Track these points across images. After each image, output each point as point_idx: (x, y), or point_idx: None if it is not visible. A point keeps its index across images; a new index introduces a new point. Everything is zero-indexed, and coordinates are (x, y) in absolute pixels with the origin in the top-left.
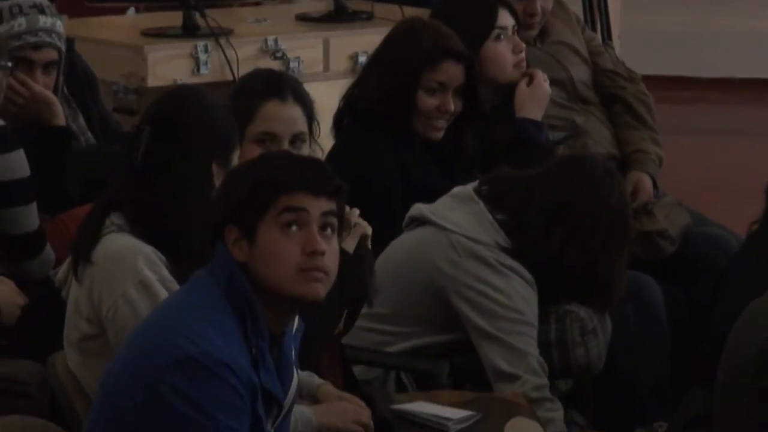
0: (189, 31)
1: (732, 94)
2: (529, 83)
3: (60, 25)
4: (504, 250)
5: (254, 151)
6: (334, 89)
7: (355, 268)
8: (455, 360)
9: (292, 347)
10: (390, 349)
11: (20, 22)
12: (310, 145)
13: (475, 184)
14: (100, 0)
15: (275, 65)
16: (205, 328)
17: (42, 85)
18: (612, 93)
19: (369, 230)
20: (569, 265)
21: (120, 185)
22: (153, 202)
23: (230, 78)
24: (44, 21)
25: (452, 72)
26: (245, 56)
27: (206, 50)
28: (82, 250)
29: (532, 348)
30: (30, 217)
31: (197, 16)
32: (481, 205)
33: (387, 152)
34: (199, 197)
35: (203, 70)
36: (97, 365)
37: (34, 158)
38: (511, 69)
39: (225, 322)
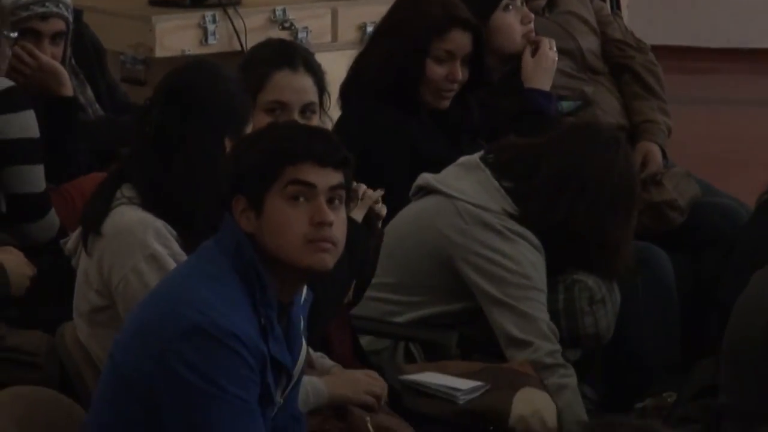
0: (197, 1)
1: (742, 63)
2: (534, 53)
3: None
4: (511, 216)
5: (264, 120)
6: (342, 60)
7: (364, 239)
8: (463, 330)
9: (301, 317)
10: (398, 319)
11: None
12: (320, 117)
13: (482, 153)
14: None
15: (283, 35)
16: (214, 298)
17: (49, 56)
18: (621, 63)
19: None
20: (576, 232)
21: (131, 157)
22: (164, 176)
23: (238, 48)
24: None
25: (460, 40)
26: (253, 26)
27: (214, 20)
28: (92, 222)
29: (541, 313)
30: (36, 177)
31: None
32: (488, 172)
33: (394, 122)
34: (210, 171)
35: (211, 40)
36: (107, 336)
37: (42, 128)
38: (519, 39)
39: (233, 293)
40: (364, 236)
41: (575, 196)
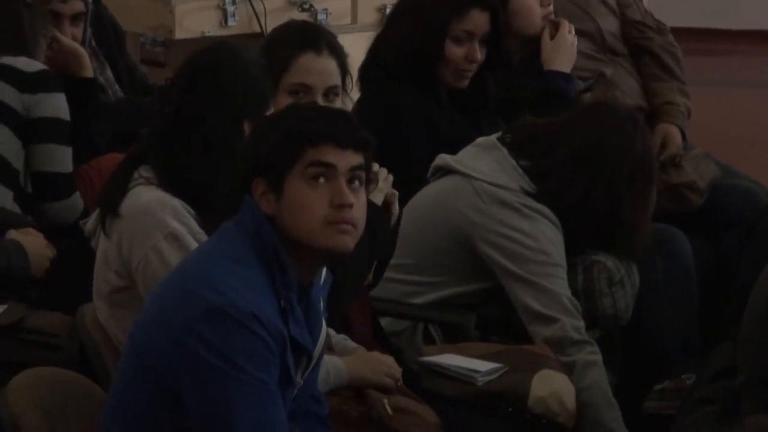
0: None
1: (762, 45)
2: (554, 35)
3: None
4: (529, 194)
5: (286, 102)
6: (361, 41)
7: (385, 222)
8: (482, 311)
9: (321, 298)
10: (417, 300)
11: None
12: (342, 99)
13: (499, 133)
14: None
15: (303, 17)
16: (233, 280)
17: (70, 37)
18: (640, 44)
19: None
20: (594, 211)
21: (150, 138)
22: (182, 156)
23: (258, 30)
24: None
25: (479, 20)
26: (273, 8)
27: (234, 2)
28: (109, 203)
29: (563, 288)
30: (64, 157)
31: None
32: (505, 151)
33: (413, 103)
34: (228, 154)
35: (231, 22)
36: (126, 317)
37: None
38: (539, 21)
39: (253, 274)
40: (385, 219)
41: (593, 175)
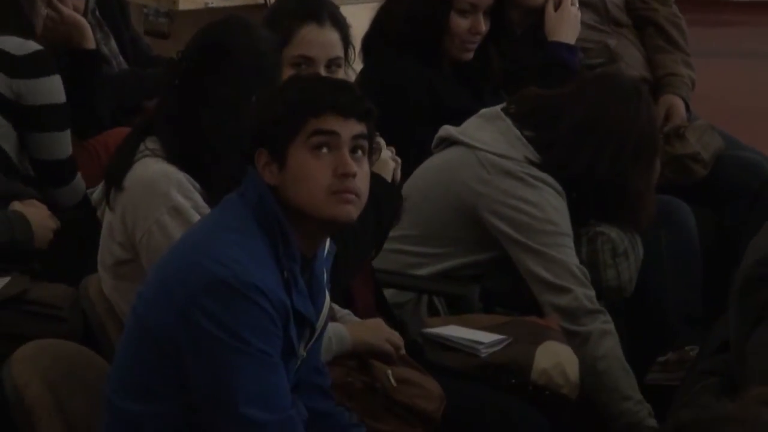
0: None
1: (766, 16)
2: (557, 7)
3: None
4: (533, 164)
5: (289, 74)
6: (364, 13)
7: (392, 197)
8: (486, 283)
9: (324, 270)
10: (421, 271)
11: None
12: (344, 70)
13: (503, 104)
14: None
15: None
16: (236, 251)
17: (71, 8)
18: (644, 15)
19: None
20: (598, 182)
21: (158, 111)
22: (189, 129)
23: (261, 1)
24: None
25: None
26: None
27: None
28: (114, 176)
29: (572, 258)
30: (63, 143)
31: None
32: (509, 122)
33: (416, 74)
34: (234, 128)
35: None
36: (130, 289)
37: (65, 82)
38: None
39: (256, 245)
40: (392, 194)
41: (598, 146)
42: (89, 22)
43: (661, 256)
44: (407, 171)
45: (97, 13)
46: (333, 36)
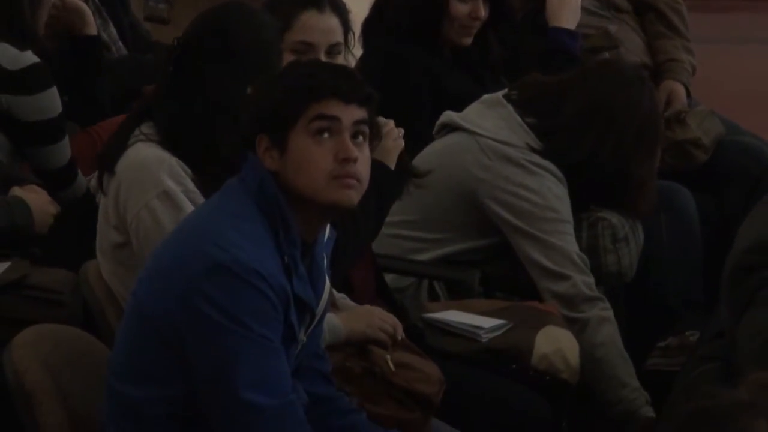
0: None
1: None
2: None
3: None
4: (534, 151)
5: (289, 60)
6: None
7: (396, 186)
8: (486, 268)
9: (324, 255)
10: (422, 256)
11: None
12: (344, 56)
13: (505, 90)
14: None
15: None
16: (237, 236)
17: None
18: (645, 1)
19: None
20: (600, 169)
21: (154, 96)
22: (184, 116)
23: None
24: None
25: None
26: None
27: None
28: (107, 160)
29: (572, 245)
30: (61, 153)
31: None
32: (510, 108)
33: (417, 59)
34: (230, 118)
35: None
36: (129, 274)
37: (66, 67)
38: None
39: (257, 230)
40: (396, 184)
41: (600, 133)
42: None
43: (662, 241)
44: (408, 157)
45: None
46: (333, 22)
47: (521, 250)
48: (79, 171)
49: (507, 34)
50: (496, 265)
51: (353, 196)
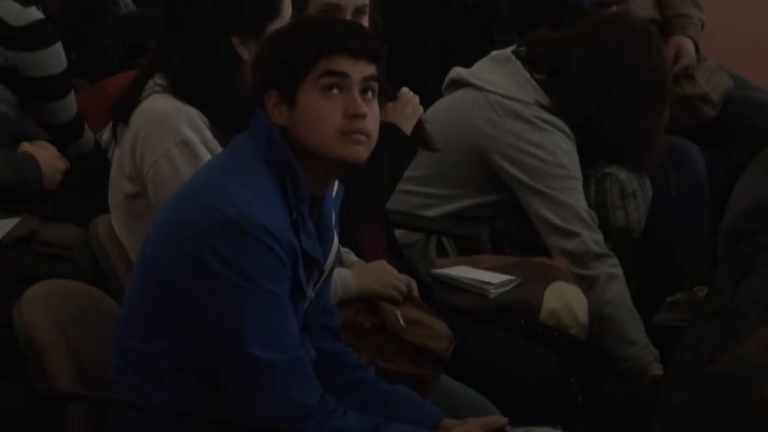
0: None
1: None
2: None
3: None
4: (543, 107)
5: None
6: None
7: (410, 152)
8: (495, 224)
9: (333, 211)
10: (430, 212)
11: None
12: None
13: (513, 47)
14: None
15: None
16: (245, 192)
17: None
18: None
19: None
20: (609, 125)
21: (158, 49)
22: (179, 68)
23: None
24: None
25: None
26: None
27: None
28: (121, 111)
29: (580, 202)
30: (67, 107)
31: None
32: (519, 65)
33: (426, 14)
34: (217, 69)
35: None
36: (141, 226)
37: (75, 24)
38: None
39: (265, 186)
40: (411, 151)
41: (609, 89)
42: None
43: (670, 197)
44: None
45: None
46: None
47: (530, 206)
48: (87, 126)
49: None
50: (505, 220)
51: (362, 152)
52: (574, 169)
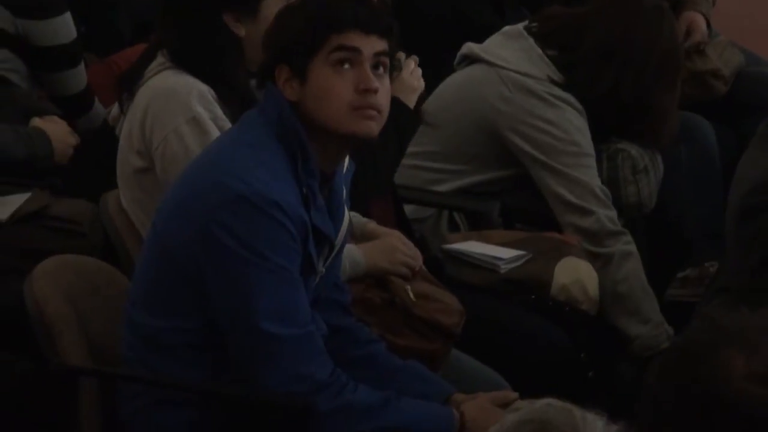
0: None
1: None
2: None
3: None
4: (555, 83)
5: None
6: None
7: (414, 125)
8: (506, 199)
9: (343, 187)
10: (441, 187)
11: None
12: None
13: (526, 23)
14: None
15: None
16: (256, 167)
17: None
18: None
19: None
20: (621, 101)
21: (160, 25)
22: (177, 44)
23: None
24: None
25: None
26: None
27: None
28: (127, 81)
29: (594, 178)
30: (77, 78)
31: None
32: (531, 41)
33: None
34: (211, 45)
35: None
36: (149, 201)
37: None
38: None
39: (276, 161)
40: (414, 123)
41: (621, 66)
42: None
43: (682, 173)
44: (429, 88)
45: None
46: None
47: (543, 183)
48: (97, 100)
49: None
50: (516, 196)
51: (373, 127)
52: (587, 146)
